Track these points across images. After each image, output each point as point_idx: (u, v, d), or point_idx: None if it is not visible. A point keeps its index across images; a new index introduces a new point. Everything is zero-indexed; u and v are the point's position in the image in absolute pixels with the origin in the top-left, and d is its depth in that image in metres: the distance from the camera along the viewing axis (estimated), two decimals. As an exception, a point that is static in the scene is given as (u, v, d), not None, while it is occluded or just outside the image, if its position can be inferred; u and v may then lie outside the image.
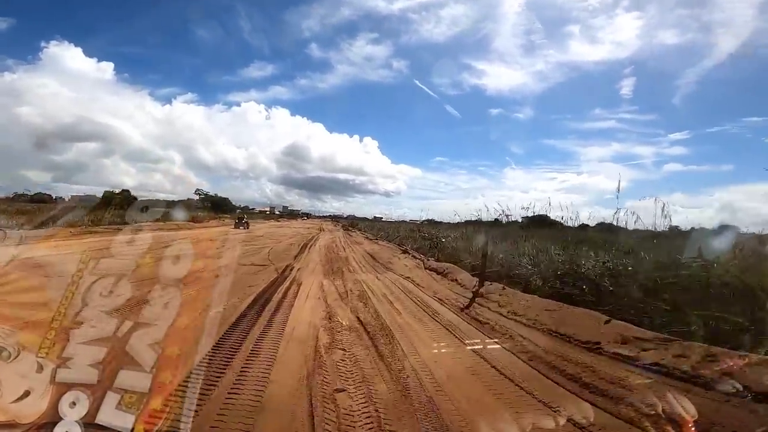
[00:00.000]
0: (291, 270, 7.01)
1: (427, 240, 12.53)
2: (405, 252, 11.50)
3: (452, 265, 7.31)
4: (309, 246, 13.20)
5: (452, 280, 6.32)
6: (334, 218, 51.04)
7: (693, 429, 1.64)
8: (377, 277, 6.95)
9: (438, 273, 7.13)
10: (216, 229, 19.07)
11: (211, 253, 8.22)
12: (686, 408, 1.78)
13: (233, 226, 20.32)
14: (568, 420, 1.89)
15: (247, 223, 20.99)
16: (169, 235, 10.10)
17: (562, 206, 6.51)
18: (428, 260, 8.90)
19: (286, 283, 5.56)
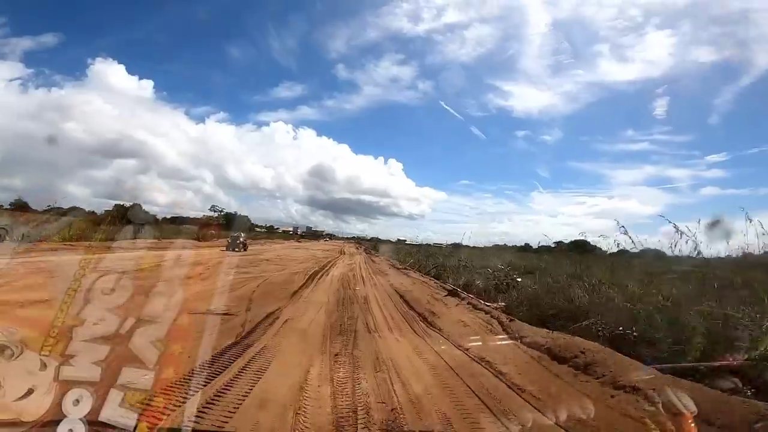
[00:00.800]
0: (270, 326, 6.35)
1: (483, 275, 12.53)
2: (454, 295, 11.54)
3: (588, 343, 5.08)
4: (319, 276, 14.37)
5: (627, 389, 3.67)
6: (358, 240, 68.09)
7: None
8: (418, 351, 5.60)
9: (563, 360, 4.81)
10: (217, 250, 23.34)
11: (162, 290, 8.26)
12: None
13: (226, 248, 23.43)
14: None
15: (244, 243, 24.55)
16: (151, 255, 11.34)
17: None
18: (500, 312, 8.25)
19: (225, 377, 3.92)
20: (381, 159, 61.36)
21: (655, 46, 46.18)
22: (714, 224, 5.90)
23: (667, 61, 45.65)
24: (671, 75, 45.45)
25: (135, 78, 48.50)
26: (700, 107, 45.45)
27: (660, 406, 3.11)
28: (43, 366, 1.98)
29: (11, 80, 42.58)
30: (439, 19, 53.29)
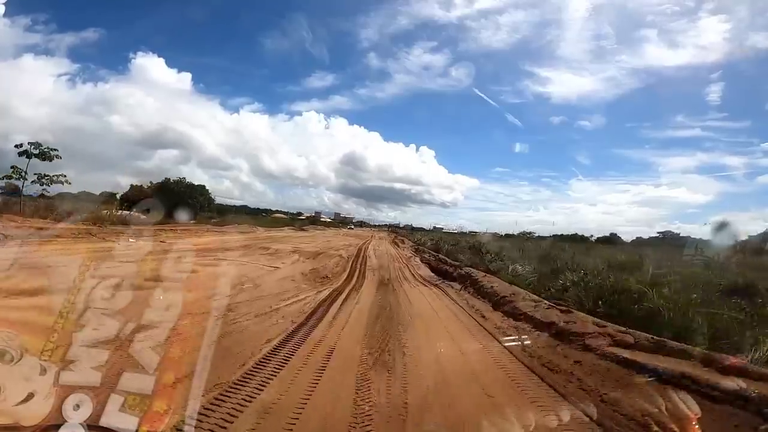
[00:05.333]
0: None
1: None
2: None
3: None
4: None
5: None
6: (393, 229, 66.50)
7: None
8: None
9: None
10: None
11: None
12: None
13: None
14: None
15: None
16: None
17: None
18: None
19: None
20: (412, 147, 62.93)
21: (708, 32, 45.89)
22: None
23: (721, 47, 44.87)
24: (726, 61, 44.41)
25: (174, 71, 51.06)
26: (757, 93, 43.71)
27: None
28: (43, 370, 1.99)
29: (60, 75, 45.21)
30: (471, 5, 53.79)
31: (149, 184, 33.09)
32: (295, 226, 42.95)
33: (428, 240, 32.75)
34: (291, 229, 38.90)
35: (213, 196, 36.12)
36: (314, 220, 60.79)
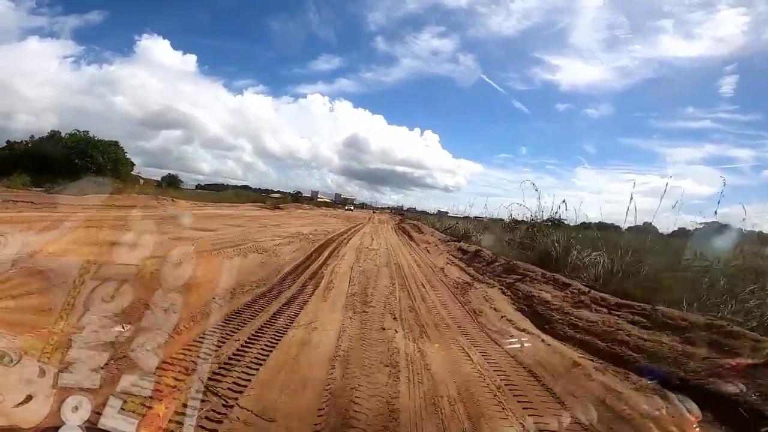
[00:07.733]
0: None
1: None
2: None
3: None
4: None
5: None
6: (396, 211, 65.72)
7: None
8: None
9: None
10: None
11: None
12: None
13: None
14: None
15: None
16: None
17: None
18: None
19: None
20: (417, 130, 62.98)
21: (726, 24, 45.59)
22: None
23: (738, 40, 44.60)
24: (742, 54, 44.62)
25: (179, 53, 52.10)
26: (772, 87, 43.05)
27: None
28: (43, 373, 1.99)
29: (65, 57, 45.58)
30: (482, -9, 53.40)
31: (29, 139, 25.57)
32: (268, 204, 35.04)
33: (470, 228, 16.57)
34: (254, 206, 30.54)
35: (127, 156, 26.87)
36: (297, 198, 58.68)
